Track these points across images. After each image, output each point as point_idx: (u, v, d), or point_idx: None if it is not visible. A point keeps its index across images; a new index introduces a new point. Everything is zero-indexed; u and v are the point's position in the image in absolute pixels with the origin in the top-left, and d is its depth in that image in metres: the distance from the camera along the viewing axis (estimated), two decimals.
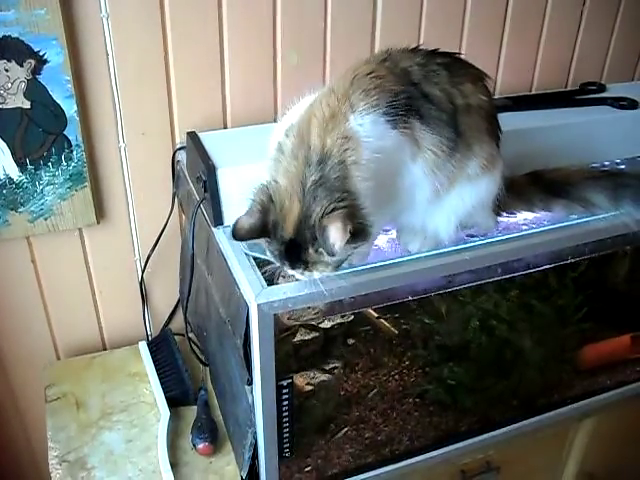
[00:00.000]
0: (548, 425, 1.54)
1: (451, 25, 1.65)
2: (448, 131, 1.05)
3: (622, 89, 1.72)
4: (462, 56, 1.15)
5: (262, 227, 0.99)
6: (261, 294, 1.04)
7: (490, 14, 1.68)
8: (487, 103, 1.13)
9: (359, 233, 0.95)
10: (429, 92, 1.06)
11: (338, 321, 1.22)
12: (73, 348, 1.61)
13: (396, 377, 1.37)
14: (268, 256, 1.04)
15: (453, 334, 1.38)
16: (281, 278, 1.10)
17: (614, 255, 1.43)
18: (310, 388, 1.29)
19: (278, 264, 1.02)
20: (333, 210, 0.93)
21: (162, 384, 1.44)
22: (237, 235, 1.00)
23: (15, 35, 1.23)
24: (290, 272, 1.02)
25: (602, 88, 1.76)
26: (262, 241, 1.02)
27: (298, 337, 1.20)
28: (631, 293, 1.57)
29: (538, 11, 1.74)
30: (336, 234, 0.91)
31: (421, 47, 1.13)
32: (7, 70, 1.26)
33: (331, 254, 0.94)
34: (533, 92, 1.84)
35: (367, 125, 0.99)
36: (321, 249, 0.96)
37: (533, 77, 1.82)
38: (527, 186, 1.28)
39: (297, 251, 0.98)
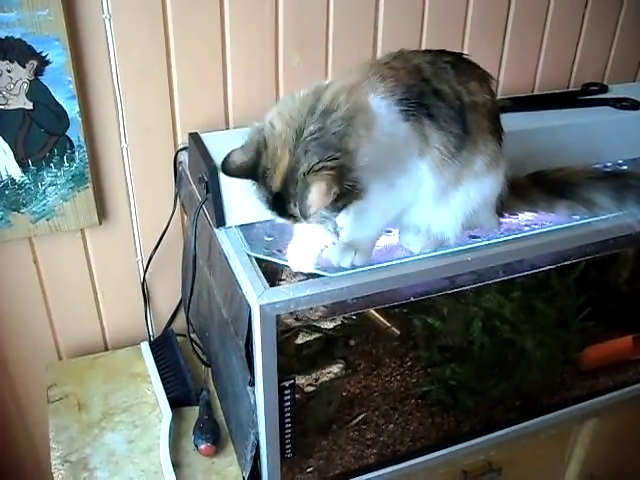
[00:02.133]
0: (550, 426, 1.54)
1: (453, 26, 1.65)
2: (456, 127, 1.06)
3: (624, 90, 1.72)
4: (467, 56, 1.15)
5: (253, 169, 0.96)
6: (263, 295, 1.04)
7: (492, 14, 1.68)
8: (492, 102, 1.13)
9: (346, 194, 0.92)
10: (439, 89, 1.06)
11: (340, 322, 1.23)
12: (75, 348, 1.61)
13: (398, 378, 1.37)
14: (255, 198, 1.00)
15: (455, 335, 1.38)
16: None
17: (617, 256, 1.43)
18: (312, 389, 1.29)
19: (266, 210, 0.99)
20: (321, 169, 0.90)
21: (164, 385, 1.44)
22: (226, 169, 0.98)
23: (17, 36, 1.23)
24: (279, 221, 1.00)
25: (604, 89, 1.76)
26: (249, 184, 0.99)
27: (300, 338, 1.20)
28: (634, 294, 1.56)
29: (540, 12, 1.74)
30: (315, 196, 0.89)
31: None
32: (9, 71, 1.26)
33: (304, 215, 0.91)
34: (535, 93, 1.83)
35: (383, 108, 0.99)
36: (306, 210, 0.92)
37: (535, 78, 1.82)
38: (530, 187, 1.28)
39: (283, 204, 0.96)
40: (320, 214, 0.93)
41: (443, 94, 1.06)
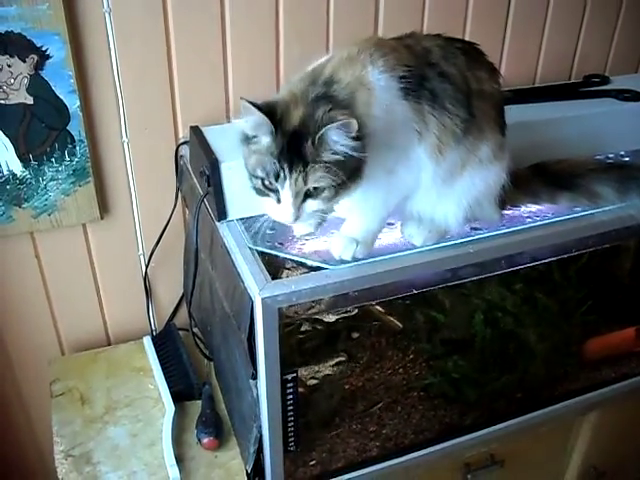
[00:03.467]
0: (552, 418, 1.54)
1: (454, 18, 1.64)
2: (463, 112, 1.06)
3: (626, 81, 1.72)
4: (479, 46, 1.16)
5: (270, 111, 0.94)
6: (265, 288, 1.04)
7: (493, 6, 1.68)
8: (499, 93, 1.14)
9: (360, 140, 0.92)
10: (447, 71, 1.06)
11: (342, 315, 1.22)
12: (78, 343, 1.61)
13: (400, 371, 1.37)
14: (266, 163, 0.96)
15: (457, 327, 1.38)
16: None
17: (619, 247, 1.43)
18: (315, 382, 1.29)
19: (275, 171, 0.95)
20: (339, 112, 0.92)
21: (167, 379, 1.44)
22: (251, 102, 0.94)
23: (17, 30, 1.23)
24: (285, 188, 0.95)
25: (606, 80, 1.76)
26: (265, 144, 0.96)
27: (302, 331, 1.20)
28: (636, 285, 1.56)
29: (541, 4, 1.73)
30: (337, 130, 0.90)
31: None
32: (10, 66, 1.26)
33: (318, 154, 0.91)
34: (537, 84, 1.83)
35: (382, 82, 0.99)
36: (323, 143, 0.92)
37: (537, 69, 1.82)
38: (532, 179, 1.28)
39: (298, 146, 0.93)
40: (326, 177, 0.92)
41: (450, 77, 1.06)
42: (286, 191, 0.95)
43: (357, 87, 0.97)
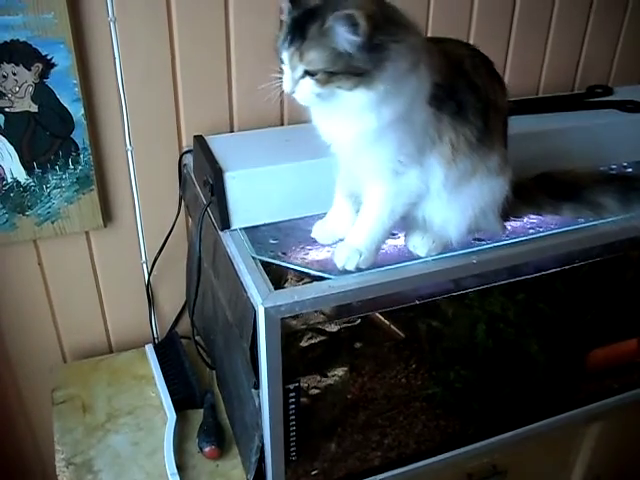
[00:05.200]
0: (555, 429, 1.53)
1: (458, 28, 1.64)
2: (480, 122, 1.07)
3: (629, 92, 1.72)
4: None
5: None
6: (268, 298, 1.04)
7: (497, 17, 1.68)
8: (507, 107, 1.15)
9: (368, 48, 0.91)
10: (475, 82, 1.08)
11: (345, 325, 1.22)
12: (80, 351, 1.61)
13: (403, 381, 1.37)
14: (282, 27, 0.97)
15: (460, 337, 1.38)
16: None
17: (622, 258, 1.43)
18: (317, 391, 1.28)
19: (282, 38, 0.96)
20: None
21: (168, 387, 1.44)
22: None
23: (23, 39, 1.24)
24: (285, 58, 0.96)
25: (609, 91, 1.76)
26: (286, 10, 0.96)
27: (305, 341, 1.20)
28: (638, 296, 1.56)
29: (545, 14, 1.74)
30: (352, 19, 0.88)
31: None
32: (15, 74, 1.26)
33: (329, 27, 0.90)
34: (540, 95, 1.83)
35: (422, 75, 0.99)
36: (328, 30, 0.90)
37: (540, 80, 1.82)
38: (535, 190, 1.28)
39: (308, 23, 0.92)
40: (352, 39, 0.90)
41: (476, 87, 1.07)
42: (286, 61, 0.96)
43: (409, 41, 0.96)
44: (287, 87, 0.97)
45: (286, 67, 0.97)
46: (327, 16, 0.90)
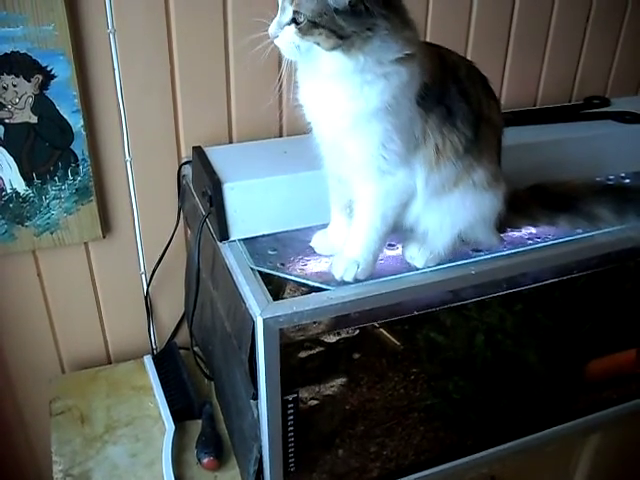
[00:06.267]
0: (554, 440, 1.53)
1: (456, 40, 1.65)
2: (470, 132, 1.08)
3: (626, 103, 1.73)
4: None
5: None
6: (267, 309, 1.04)
7: (494, 29, 1.69)
8: (501, 128, 1.16)
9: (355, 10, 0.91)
10: (468, 91, 1.09)
11: (344, 335, 1.22)
12: (78, 361, 1.61)
13: (401, 391, 1.37)
14: None
15: (458, 348, 1.38)
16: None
17: (619, 269, 1.43)
18: (315, 402, 1.28)
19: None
20: None
21: (167, 398, 1.44)
22: None
23: (23, 51, 1.25)
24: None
25: (606, 102, 1.77)
26: None
27: (303, 352, 1.20)
28: (636, 307, 1.56)
29: (542, 26, 1.75)
30: None
31: None
32: (15, 85, 1.27)
33: None
34: (538, 106, 1.84)
35: (413, 71, 0.99)
36: None
37: (537, 91, 1.83)
38: (531, 201, 1.28)
39: None
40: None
41: (469, 96, 1.08)
42: (279, 2, 0.96)
43: (402, 30, 0.97)
44: (272, 29, 0.97)
45: (278, 9, 0.97)
46: None
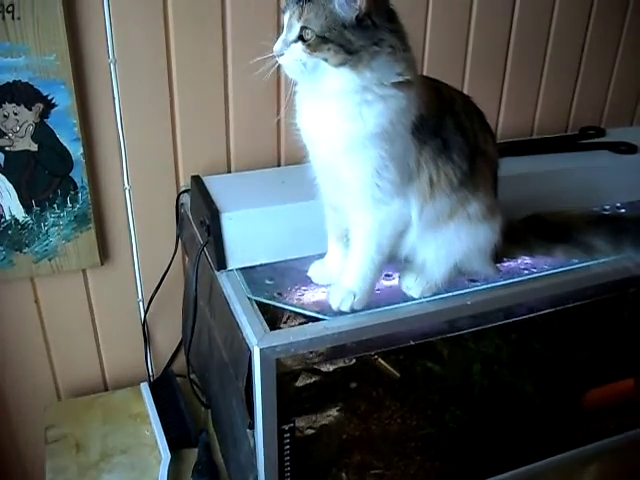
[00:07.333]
0: (552, 469, 1.52)
1: (452, 71, 1.67)
2: (465, 165, 1.09)
3: (621, 134, 1.75)
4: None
5: None
6: (264, 339, 1.04)
7: (491, 59, 1.72)
8: (497, 160, 1.17)
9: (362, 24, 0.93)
10: (464, 124, 1.10)
11: (340, 365, 1.22)
12: (74, 388, 1.61)
13: (398, 421, 1.37)
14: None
15: (455, 378, 1.38)
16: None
17: (616, 298, 1.44)
18: (312, 432, 1.28)
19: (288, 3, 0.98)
20: None
21: (163, 426, 1.43)
22: None
23: (25, 80, 1.26)
24: (286, 18, 0.97)
25: (602, 133, 1.78)
26: None
27: (300, 381, 1.20)
28: (634, 336, 1.56)
29: (538, 57, 1.77)
30: None
31: None
32: (16, 114, 1.28)
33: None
34: (534, 136, 1.86)
35: (409, 101, 1.00)
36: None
37: (534, 121, 1.85)
38: (527, 231, 1.29)
39: None
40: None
41: (465, 129, 1.09)
42: (285, 20, 0.97)
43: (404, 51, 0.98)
44: (277, 47, 0.98)
45: (284, 26, 0.98)
46: None
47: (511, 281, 1.23)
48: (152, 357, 1.64)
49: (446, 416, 1.39)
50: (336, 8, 0.93)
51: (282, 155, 1.55)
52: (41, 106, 1.29)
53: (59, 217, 1.39)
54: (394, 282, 1.22)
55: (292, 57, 0.96)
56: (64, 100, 1.30)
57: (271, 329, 1.07)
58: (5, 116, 1.28)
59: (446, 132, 1.07)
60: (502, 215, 1.18)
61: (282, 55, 0.97)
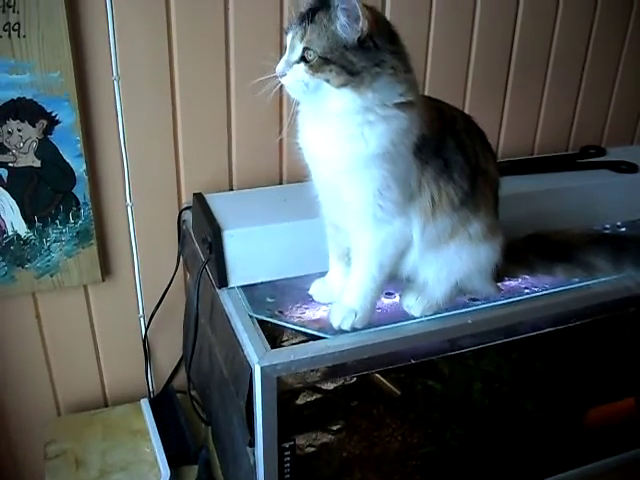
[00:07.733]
0: None
1: (453, 90, 1.68)
2: (466, 185, 1.09)
3: (622, 153, 1.75)
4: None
5: None
6: (265, 357, 1.04)
7: (492, 78, 1.72)
8: (498, 180, 1.18)
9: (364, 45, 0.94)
10: (465, 143, 1.10)
11: (341, 383, 1.22)
12: (75, 404, 1.60)
13: (399, 439, 1.36)
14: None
15: (456, 396, 1.37)
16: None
17: (617, 317, 1.44)
18: (312, 449, 1.28)
19: (291, 22, 1.00)
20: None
21: (163, 442, 1.43)
22: None
23: (29, 97, 1.27)
24: (289, 39, 0.98)
25: (602, 152, 1.79)
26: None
27: (301, 399, 1.20)
28: (634, 355, 1.56)
29: (539, 77, 1.78)
30: (355, 11, 0.91)
31: None
32: (20, 130, 1.29)
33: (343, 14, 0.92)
34: (535, 155, 1.86)
35: (412, 121, 1.01)
36: (332, 17, 0.94)
37: (535, 140, 1.85)
38: (528, 250, 1.29)
39: (319, 10, 0.96)
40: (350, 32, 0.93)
41: (466, 149, 1.10)
42: (288, 42, 0.98)
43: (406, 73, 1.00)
44: (279, 68, 0.98)
45: (286, 47, 0.99)
46: (335, 6, 0.93)
47: (512, 300, 1.24)
48: (152, 373, 1.64)
49: (447, 434, 1.39)
50: (338, 30, 0.94)
51: (284, 173, 1.56)
52: (45, 122, 1.30)
53: (61, 233, 1.40)
54: (395, 300, 1.22)
55: (294, 78, 0.97)
56: (68, 117, 1.31)
57: (272, 346, 1.07)
58: (9, 132, 1.29)
59: (447, 152, 1.08)
60: (503, 234, 1.18)
61: (285, 75, 0.98)
